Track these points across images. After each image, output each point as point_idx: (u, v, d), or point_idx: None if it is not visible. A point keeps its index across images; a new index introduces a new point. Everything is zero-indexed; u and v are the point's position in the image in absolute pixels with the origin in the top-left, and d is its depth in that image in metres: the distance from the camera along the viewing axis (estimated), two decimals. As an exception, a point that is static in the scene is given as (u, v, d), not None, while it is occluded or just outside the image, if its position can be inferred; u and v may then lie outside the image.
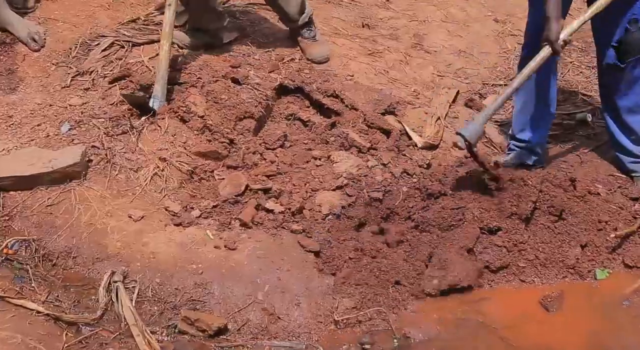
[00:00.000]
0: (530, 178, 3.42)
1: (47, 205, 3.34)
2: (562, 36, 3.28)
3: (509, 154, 3.94)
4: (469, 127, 3.40)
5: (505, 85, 4.63)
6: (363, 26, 5.08)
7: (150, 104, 3.81)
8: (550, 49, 3.30)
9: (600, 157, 3.98)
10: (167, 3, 3.91)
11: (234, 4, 5.00)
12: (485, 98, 4.55)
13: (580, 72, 4.77)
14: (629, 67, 3.54)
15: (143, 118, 3.79)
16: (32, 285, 3.06)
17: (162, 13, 4.38)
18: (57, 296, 3.05)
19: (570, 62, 4.85)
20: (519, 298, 3.24)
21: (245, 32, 4.62)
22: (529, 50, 3.65)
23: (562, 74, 4.66)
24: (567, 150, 4.08)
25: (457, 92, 4.48)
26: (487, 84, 4.69)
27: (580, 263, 3.30)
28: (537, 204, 3.37)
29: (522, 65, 3.70)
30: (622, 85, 3.62)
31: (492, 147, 4.15)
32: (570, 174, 3.60)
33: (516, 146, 3.90)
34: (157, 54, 4.07)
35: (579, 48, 5.01)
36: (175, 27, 4.32)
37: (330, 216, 3.48)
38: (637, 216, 3.47)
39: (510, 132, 3.99)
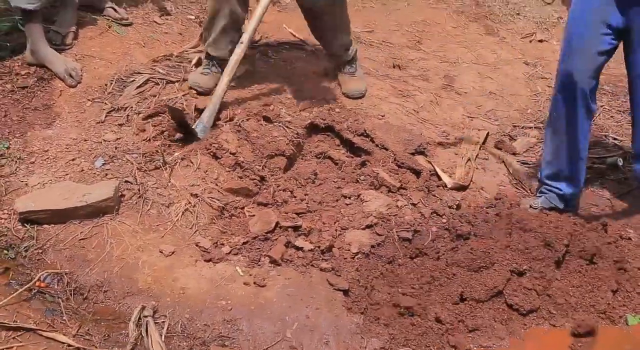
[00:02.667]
0: (561, 221, 3.41)
1: (80, 239, 3.36)
2: None
3: (539, 196, 3.93)
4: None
5: (536, 127, 4.66)
6: (394, 67, 5.13)
7: (194, 126, 3.91)
8: None
9: (631, 202, 3.96)
10: (240, 40, 4.04)
11: (268, 42, 5.08)
12: (515, 140, 4.56)
13: (611, 116, 4.77)
14: None
15: (176, 153, 3.84)
16: (64, 318, 3.07)
17: (197, 51, 4.51)
18: (88, 330, 3.05)
19: (601, 106, 4.85)
20: (549, 342, 3.21)
21: (275, 70, 4.68)
22: (558, 92, 3.67)
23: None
24: (598, 195, 4.07)
25: (487, 134, 4.49)
26: (517, 126, 4.71)
27: (612, 308, 3.27)
28: (569, 248, 3.36)
29: (554, 107, 3.71)
30: None
31: (520, 189, 4.14)
32: (602, 218, 3.58)
33: (548, 190, 3.89)
34: (188, 91, 4.18)
35: (609, 92, 5.02)
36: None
37: (359, 255, 3.49)
38: (669, 261, 3.44)
39: (539, 176, 3.98)
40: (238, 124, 4.04)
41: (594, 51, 3.52)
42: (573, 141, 3.72)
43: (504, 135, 4.61)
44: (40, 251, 3.33)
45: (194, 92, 4.26)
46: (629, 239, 3.56)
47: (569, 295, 3.29)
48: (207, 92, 4.25)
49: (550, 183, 3.87)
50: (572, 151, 3.75)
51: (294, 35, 5.23)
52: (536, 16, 6.21)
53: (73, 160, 3.74)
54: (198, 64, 4.49)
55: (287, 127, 4.10)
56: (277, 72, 4.69)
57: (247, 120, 4.08)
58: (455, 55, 5.43)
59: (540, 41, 5.82)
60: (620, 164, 4.26)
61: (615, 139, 4.52)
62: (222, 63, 4.29)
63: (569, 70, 3.58)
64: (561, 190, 3.84)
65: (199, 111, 4.09)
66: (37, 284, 3.18)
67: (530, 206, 3.86)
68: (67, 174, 3.65)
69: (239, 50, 4.03)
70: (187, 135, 3.92)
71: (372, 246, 3.52)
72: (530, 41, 5.83)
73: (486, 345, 3.15)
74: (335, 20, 4.44)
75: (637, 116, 3.64)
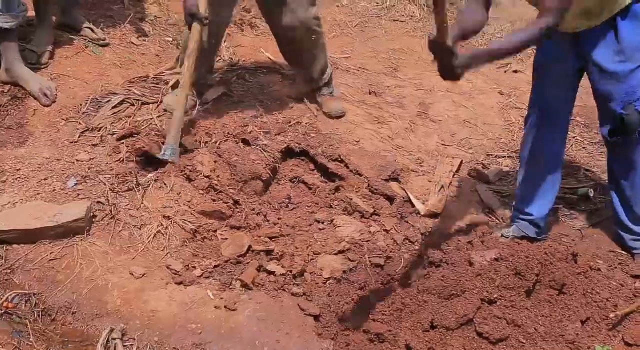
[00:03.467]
0: (532, 251, 3.43)
1: (50, 260, 3.33)
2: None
3: (512, 225, 3.96)
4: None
5: (509, 157, 4.70)
6: (370, 93, 5.16)
7: (162, 153, 3.84)
8: None
9: (602, 233, 3.99)
10: (187, 54, 4.00)
11: (245, 66, 5.09)
12: (488, 169, 4.59)
13: (583, 148, 4.81)
14: (629, 146, 3.58)
15: (150, 175, 3.82)
16: (31, 340, 3.03)
17: (174, 72, 4.51)
18: (55, 352, 3.04)
19: (573, 138, 4.89)
20: (518, 372, 3.23)
21: (252, 94, 4.69)
22: (531, 122, 3.72)
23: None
24: (569, 225, 4.10)
25: (461, 162, 4.52)
26: (490, 155, 4.74)
27: (580, 339, 3.28)
28: (539, 277, 3.38)
29: (526, 138, 3.77)
30: (624, 163, 3.66)
31: (492, 218, 4.16)
32: (572, 249, 3.61)
33: (520, 219, 3.92)
34: (165, 112, 4.17)
35: (582, 124, 5.08)
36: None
37: (331, 280, 3.48)
38: (638, 295, 3.46)
39: (513, 204, 4.01)
40: (215, 146, 4.04)
41: (563, 89, 3.62)
42: (548, 168, 3.81)
43: (478, 163, 4.64)
44: (9, 271, 3.30)
45: (169, 113, 4.24)
46: (599, 270, 3.59)
47: (538, 324, 3.31)
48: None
49: (522, 209, 3.91)
50: (546, 177, 3.82)
51: (271, 60, 5.25)
52: (511, 47, 6.26)
53: (45, 179, 3.71)
54: (175, 86, 4.48)
55: (265, 150, 4.10)
56: (254, 95, 4.70)
57: (225, 141, 4.08)
58: (431, 83, 5.47)
59: (515, 72, 5.87)
60: (592, 195, 4.30)
61: (587, 170, 4.56)
62: (197, 87, 4.33)
63: (541, 100, 3.64)
64: (532, 215, 3.88)
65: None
66: (5, 304, 3.15)
67: (502, 235, 3.89)
68: (38, 194, 3.62)
69: (188, 64, 3.99)
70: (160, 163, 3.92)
71: (344, 272, 3.52)
72: (505, 72, 5.88)
73: (457, 375, 3.17)
74: (311, 46, 4.48)
75: None
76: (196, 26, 3.95)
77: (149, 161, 3.92)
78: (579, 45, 3.45)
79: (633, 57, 3.35)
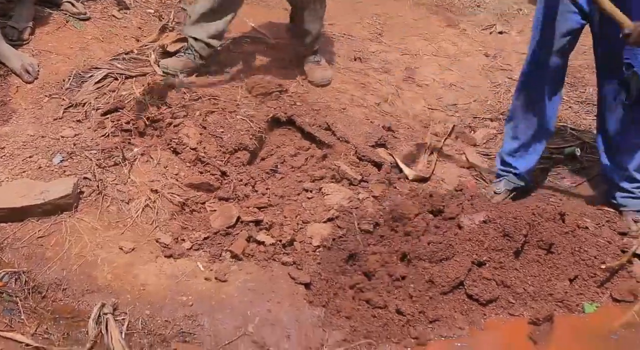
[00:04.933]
0: (520, 212, 3.44)
1: (38, 237, 3.33)
2: None
3: (499, 180, 3.98)
4: None
5: (496, 119, 4.69)
6: (355, 59, 5.13)
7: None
8: None
9: (589, 192, 4.01)
10: None
11: (228, 36, 5.04)
12: (475, 131, 4.59)
13: (569, 107, 4.81)
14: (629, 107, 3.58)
15: (136, 149, 3.81)
16: (22, 317, 3.06)
17: (160, 45, 4.50)
18: (47, 328, 3.04)
19: (560, 97, 4.89)
20: (508, 332, 3.25)
21: (237, 64, 4.67)
22: (528, 75, 3.76)
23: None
24: (556, 185, 4.11)
25: (453, 127, 4.52)
26: (477, 118, 4.74)
27: (569, 297, 3.31)
28: (527, 238, 3.39)
29: (525, 81, 3.79)
30: (619, 122, 3.67)
31: (480, 180, 4.17)
32: (559, 208, 3.62)
33: (504, 171, 3.95)
34: (149, 85, 4.17)
35: (568, 83, 5.04)
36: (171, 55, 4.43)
37: (321, 248, 3.49)
38: (625, 250, 3.48)
39: (497, 158, 4.05)
40: (201, 117, 4.02)
41: (562, 29, 3.57)
42: (542, 118, 3.81)
43: (465, 126, 4.64)
44: (-2, 250, 3.30)
45: (150, 86, 4.21)
46: (586, 228, 3.60)
47: (527, 284, 3.34)
48: (174, 74, 4.33)
49: (508, 162, 3.94)
50: (539, 127, 3.84)
51: (256, 29, 5.21)
52: (496, 8, 6.24)
53: (30, 157, 3.69)
54: (163, 54, 4.49)
55: (250, 120, 4.08)
56: (239, 65, 4.67)
57: (211, 113, 4.06)
58: (416, 47, 5.44)
59: (500, 33, 5.85)
60: (578, 153, 4.32)
61: (573, 129, 4.56)
62: (199, 50, 4.38)
63: (539, 46, 3.64)
64: (517, 169, 3.92)
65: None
66: (-5, 283, 3.16)
67: (494, 192, 3.91)
68: (24, 172, 3.61)
69: None
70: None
71: (334, 239, 3.53)
72: (490, 33, 5.86)
73: (446, 335, 3.20)
74: (317, 10, 4.53)
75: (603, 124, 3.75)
76: None
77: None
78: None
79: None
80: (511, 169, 3.93)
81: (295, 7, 4.60)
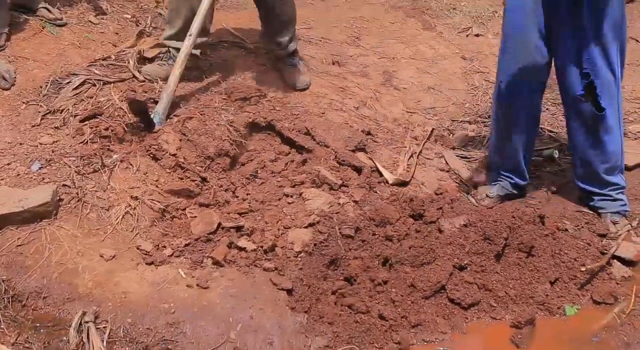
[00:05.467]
0: (500, 215, 3.46)
1: (17, 245, 3.29)
2: None
3: (494, 184, 4.01)
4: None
5: (474, 121, 4.72)
6: (333, 63, 5.15)
7: (152, 116, 3.94)
8: None
9: (568, 194, 4.03)
10: (189, 33, 4.10)
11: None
12: (454, 134, 4.62)
13: (547, 109, 4.84)
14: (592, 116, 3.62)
15: (115, 156, 3.79)
16: (1, 326, 3.02)
17: (138, 51, 4.48)
18: (27, 338, 3.01)
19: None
20: (490, 335, 3.26)
21: (215, 69, 4.66)
22: (503, 92, 3.77)
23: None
24: (535, 187, 4.13)
25: (432, 130, 4.54)
26: (455, 121, 4.77)
27: (550, 299, 3.33)
28: (507, 241, 3.42)
29: (498, 103, 3.83)
30: (586, 130, 3.70)
31: (460, 183, 4.19)
32: (539, 211, 3.65)
33: (501, 178, 4.01)
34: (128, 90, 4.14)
35: (545, 85, 5.10)
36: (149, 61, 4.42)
37: (302, 253, 3.49)
38: (605, 252, 3.51)
39: (490, 164, 4.09)
40: (180, 123, 4.01)
41: (532, 45, 3.61)
42: (516, 138, 3.86)
43: (443, 129, 4.66)
44: (-24, 259, 3.26)
45: (131, 92, 4.20)
46: (566, 230, 3.63)
47: (508, 287, 3.36)
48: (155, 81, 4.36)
49: (503, 173, 3.99)
50: (515, 148, 3.89)
51: (233, 33, 5.20)
52: (472, 10, 6.29)
53: (8, 164, 3.66)
54: (141, 59, 4.48)
55: (230, 125, 4.08)
56: (217, 70, 4.67)
57: (190, 119, 4.05)
58: (393, 51, 5.47)
59: (477, 35, 5.90)
60: (556, 156, 4.35)
61: (550, 131, 4.60)
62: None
63: (511, 65, 3.67)
64: (512, 179, 3.96)
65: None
66: (-26, 293, 3.12)
67: (487, 195, 3.95)
68: (2, 179, 3.57)
69: (188, 43, 4.09)
70: (145, 125, 3.94)
71: (315, 244, 3.51)
72: (467, 36, 5.90)
73: (429, 340, 3.20)
74: (286, 11, 4.54)
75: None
76: None
77: (141, 117, 3.94)
78: (551, 8, 3.47)
79: (595, 32, 3.39)
80: (507, 178, 4.00)
81: (263, 9, 4.61)
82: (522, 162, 3.93)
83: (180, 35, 4.30)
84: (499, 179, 4.02)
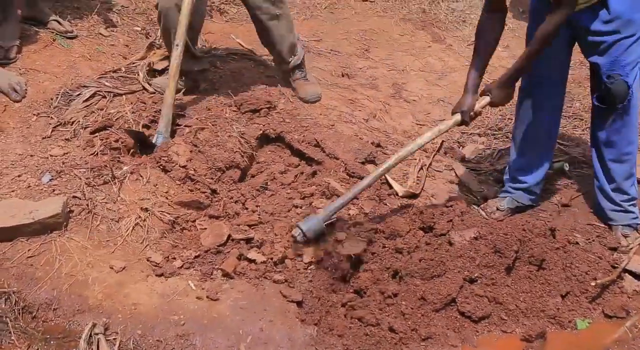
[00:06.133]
0: (510, 228, 3.45)
1: (28, 257, 3.30)
2: (475, 107, 3.57)
3: (504, 197, 3.99)
4: (309, 222, 3.49)
5: (484, 134, 4.72)
6: (343, 75, 5.16)
7: (154, 140, 3.95)
8: (460, 118, 3.56)
9: (579, 207, 4.02)
10: (175, 43, 4.04)
11: (215, 53, 5.06)
12: (463, 147, 4.61)
13: (557, 122, 4.83)
14: (614, 115, 3.61)
15: (125, 167, 3.80)
16: (12, 338, 3.03)
17: (148, 63, 4.49)
18: (37, 349, 3.01)
19: (547, 111, 4.91)
20: (501, 348, 3.25)
21: (225, 81, 4.68)
22: (526, 93, 3.82)
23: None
24: (546, 200, 4.12)
25: (442, 142, 4.53)
26: (465, 133, 4.76)
27: (561, 313, 3.32)
28: (518, 254, 3.40)
29: (522, 109, 3.87)
30: (608, 131, 3.69)
31: (470, 196, 4.18)
32: (550, 224, 3.63)
33: (513, 189, 3.96)
34: (138, 102, 4.15)
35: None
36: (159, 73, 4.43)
37: (312, 266, 3.48)
38: (616, 265, 3.50)
39: (506, 174, 4.06)
40: (191, 135, 4.02)
41: (557, 57, 3.64)
42: (545, 134, 3.87)
43: (453, 142, 4.65)
44: (-13, 270, 3.27)
45: (141, 103, 4.22)
46: (577, 243, 3.62)
47: (519, 301, 3.34)
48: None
49: (517, 177, 3.97)
50: (543, 143, 3.88)
51: (242, 46, 5.22)
52: (481, 23, 6.27)
53: (19, 176, 3.67)
54: (151, 71, 4.50)
55: (242, 137, 4.09)
56: (227, 82, 4.68)
57: (201, 130, 4.06)
58: (403, 63, 5.48)
59: (486, 48, 5.88)
60: (567, 168, 4.33)
61: (561, 144, 4.58)
62: (186, 76, 4.40)
63: (537, 69, 3.67)
64: (527, 182, 3.94)
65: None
66: (-16, 304, 3.12)
67: (497, 208, 3.93)
68: (13, 191, 3.58)
69: (176, 53, 4.05)
70: (148, 150, 3.96)
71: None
72: (476, 48, 5.89)
73: (439, 351, 3.19)
74: (280, 24, 4.52)
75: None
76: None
77: (141, 145, 3.95)
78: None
79: (620, 28, 3.38)
80: (521, 184, 3.95)
81: (257, 28, 4.61)
82: (537, 176, 3.92)
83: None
84: (510, 189, 4.00)
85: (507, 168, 4.06)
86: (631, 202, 3.80)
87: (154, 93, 4.34)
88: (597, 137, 3.78)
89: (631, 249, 3.65)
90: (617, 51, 3.44)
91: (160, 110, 4.08)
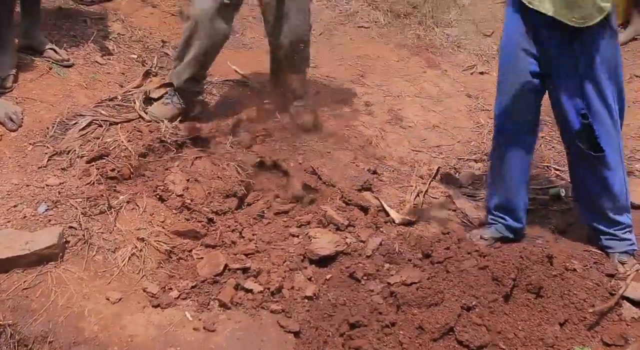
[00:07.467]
0: (508, 255, 3.45)
1: (24, 289, 3.28)
2: None
3: (489, 227, 3.98)
4: None
5: (480, 160, 4.72)
6: (339, 102, 5.15)
7: None
8: None
9: (575, 233, 4.01)
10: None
11: (210, 80, 5.06)
12: (460, 173, 4.61)
13: (552, 147, 4.84)
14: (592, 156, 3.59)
15: (121, 197, 3.79)
16: (8, 371, 3.02)
17: (144, 91, 4.51)
18: (33, 383, 3.00)
19: (542, 137, 4.91)
20: (500, 377, 3.24)
21: (221, 108, 4.69)
22: (498, 131, 3.78)
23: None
24: (543, 226, 4.11)
25: (438, 169, 4.53)
26: (461, 159, 4.76)
27: (559, 341, 3.30)
28: (516, 282, 3.39)
29: (495, 142, 3.82)
30: (587, 170, 3.69)
31: (467, 222, 4.17)
32: (547, 250, 3.62)
33: (494, 220, 3.94)
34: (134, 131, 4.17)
35: (550, 122, 5.09)
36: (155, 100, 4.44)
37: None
38: (614, 292, 3.49)
39: (487, 205, 4.04)
40: (188, 163, 4.02)
41: (524, 85, 3.59)
42: (511, 178, 3.81)
43: (450, 168, 4.66)
44: (-18, 303, 3.25)
45: (138, 132, 4.22)
46: (574, 270, 3.60)
47: (517, 329, 3.32)
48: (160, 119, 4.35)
49: (496, 213, 3.92)
50: (510, 187, 3.84)
51: (238, 72, 5.23)
52: (476, 48, 6.31)
53: (15, 206, 3.66)
54: (147, 99, 4.50)
55: (238, 166, 4.09)
56: (223, 109, 4.69)
57: (198, 159, 4.06)
58: (398, 89, 5.49)
59: (481, 73, 5.92)
60: (563, 194, 4.33)
61: (557, 169, 4.59)
62: (183, 94, 4.40)
63: (504, 106, 3.66)
64: (506, 220, 3.89)
65: None
66: (-21, 337, 3.10)
67: (481, 237, 3.91)
68: (9, 221, 3.57)
69: None
70: None
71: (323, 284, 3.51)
72: (472, 73, 5.92)
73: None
74: (302, 55, 4.58)
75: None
76: None
77: None
78: (544, 48, 3.47)
79: (588, 73, 3.38)
80: (501, 219, 3.92)
81: (276, 59, 4.63)
82: (515, 203, 3.90)
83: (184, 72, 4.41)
84: (492, 220, 3.99)
85: (489, 199, 4.03)
86: (626, 230, 3.77)
87: (151, 121, 4.34)
88: (576, 175, 3.80)
89: (628, 275, 3.63)
90: (585, 96, 3.44)
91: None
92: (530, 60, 3.52)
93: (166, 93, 4.50)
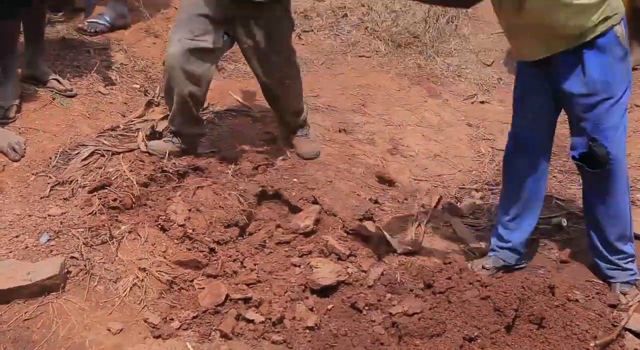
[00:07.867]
0: (510, 286, 3.44)
1: (25, 320, 3.26)
2: None
3: (490, 256, 3.98)
4: None
5: (481, 189, 4.72)
6: (340, 131, 5.18)
7: None
8: None
9: (578, 263, 4.01)
10: None
11: (213, 110, 5.10)
12: (461, 202, 4.62)
13: (553, 176, 4.84)
14: (600, 178, 3.61)
15: (123, 227, 3.79)
16: (8, 404, 3.00)
17: (151, 125, 4.54)
18: None
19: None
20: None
21: (223, 137, 4.71)
22: (512, 150, 3.83)
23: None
24: (545, 256, 4.11)
25: (440, 198, 4.54)
26: (463, 188, 4.77)
27: (562, 373, 3.30)
28: (518, 312, 3.38)
29: (508, 166, 3.87)
30: (597, 191, 3.70)
31: (468, 252, 4.17)
32: (549, 281, 3.62)
33: (498, 247, 3.95)
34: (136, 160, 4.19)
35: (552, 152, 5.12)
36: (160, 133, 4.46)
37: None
38: (616, 324, 3.48)
39: (493, 232, 4.05)
40: (190, 192, 4.02)
41: (543, 118, 3.66)
42: (533, 194, 3.86)
43: (451, 197, 4.66)
44: (-17, 334, 3.24)
45: (140, 162, 4.23)
46: (576, 301, 3.60)
47: (520, 361, 3.31)
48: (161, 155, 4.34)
49: (502, 236, 3.95)
50: (530, 202, 3.87)
51: (240, 102, 5.26)
52: (477, 78, 6.35)
53: (17, 237, 3.66)
54: (152, 136, 4.51)
55: (240, 195, 4.09)
56: (225, 139, 4.71)
57: (200, 189, 4.07)
58: (399, 118, 5.51)
59: (482, 102, 5.95)
60: (564, 224, 4.33)
61: (558, 199, 4.59)
62: (182, 137, 4.39)
63: (521, 129, 3.72)
64: (511, 241, 3.91)
65: None
66: (-20, 369, 3.09)
67: (483, 267, 3.91)
68: (10, 252, 3.57)
69: None
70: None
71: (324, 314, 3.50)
72: (472, 103, 5.95)
73: None
74: (288, 91, 4.55)
75: None
76: None
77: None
78: (551, 73, 3.49)
79: (596, 91, 3.40)
80: (505, 243, 3.93)
81: (267, 94, 4.63)
82: (522, 235, 3.92)
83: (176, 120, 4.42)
84: (495, 250, 3.99)
85: (494, 226, 4.06)
86: (628, 260, 3.78)
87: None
88: (586, 198, 3.80)
89: (631, 306, 3.63)
90: (596, 114, 3.45)
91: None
92: (544, 86, 3.58)
93: (167, 128, 4.51)
